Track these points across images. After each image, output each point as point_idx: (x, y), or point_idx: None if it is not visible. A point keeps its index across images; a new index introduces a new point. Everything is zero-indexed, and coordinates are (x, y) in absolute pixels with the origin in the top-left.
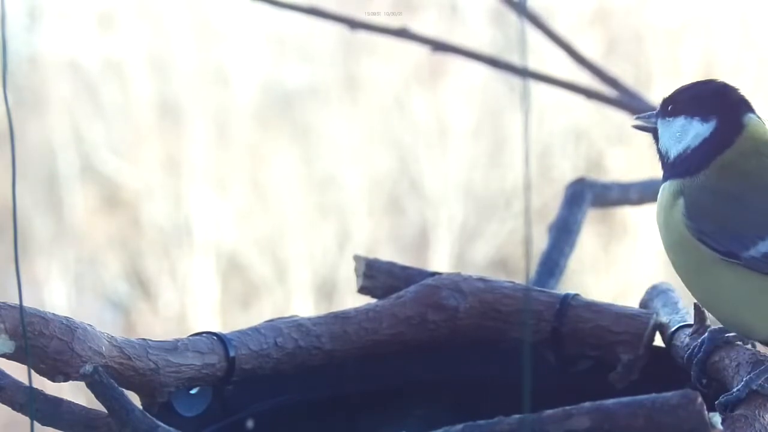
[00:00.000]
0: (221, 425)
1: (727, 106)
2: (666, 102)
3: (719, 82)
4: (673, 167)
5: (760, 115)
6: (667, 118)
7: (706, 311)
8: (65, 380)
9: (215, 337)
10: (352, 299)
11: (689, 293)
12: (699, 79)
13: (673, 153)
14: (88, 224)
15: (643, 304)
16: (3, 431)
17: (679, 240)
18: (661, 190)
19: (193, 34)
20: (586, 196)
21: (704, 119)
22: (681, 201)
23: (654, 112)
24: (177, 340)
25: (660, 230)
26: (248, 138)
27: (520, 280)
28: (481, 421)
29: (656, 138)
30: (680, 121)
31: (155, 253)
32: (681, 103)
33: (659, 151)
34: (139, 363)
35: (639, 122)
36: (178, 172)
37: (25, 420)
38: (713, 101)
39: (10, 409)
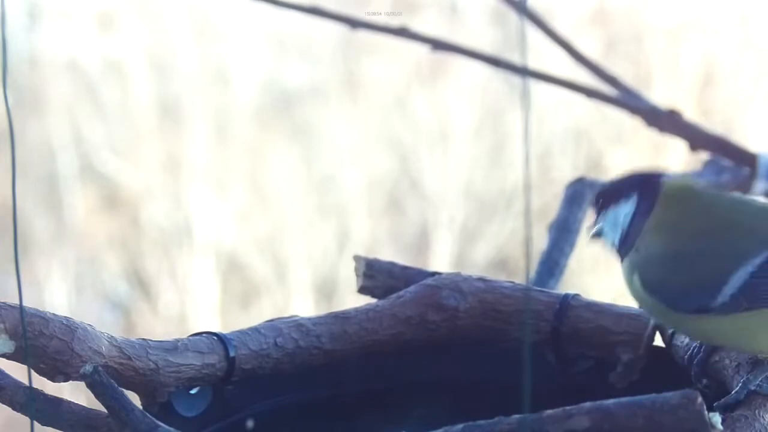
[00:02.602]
0: (221, 425)
1: (643, 179)
2: (597, 203)
3: (639, 170)
4: (620, 250)
5: (677, 174)
6: (603, 214)
7: None
8: (65, 380)
9: (215, 337)
10: (352, 299)
11: None
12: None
13: (616, 239)
14: (88, 224)
15: None
16: (3, 431)
17: (651, 307)
18: (621, 269)
19: (193, 34)
20: (586, 195)
21: (626, 199)
22: (636, 277)
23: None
24: (177, 340)
25: (635, 300)
26: (248, 138)
27: (520, 280)
28: (481, 421)
29: (605, 237)
30: (611, 212)
31: (155, 253)
32: (607, 197)
33: (609, 246)
34: (139, 363)
35: (593, 235)
36: (178, 172)
37: (25, 420)
38: (630, 182)
39: (10, 409)
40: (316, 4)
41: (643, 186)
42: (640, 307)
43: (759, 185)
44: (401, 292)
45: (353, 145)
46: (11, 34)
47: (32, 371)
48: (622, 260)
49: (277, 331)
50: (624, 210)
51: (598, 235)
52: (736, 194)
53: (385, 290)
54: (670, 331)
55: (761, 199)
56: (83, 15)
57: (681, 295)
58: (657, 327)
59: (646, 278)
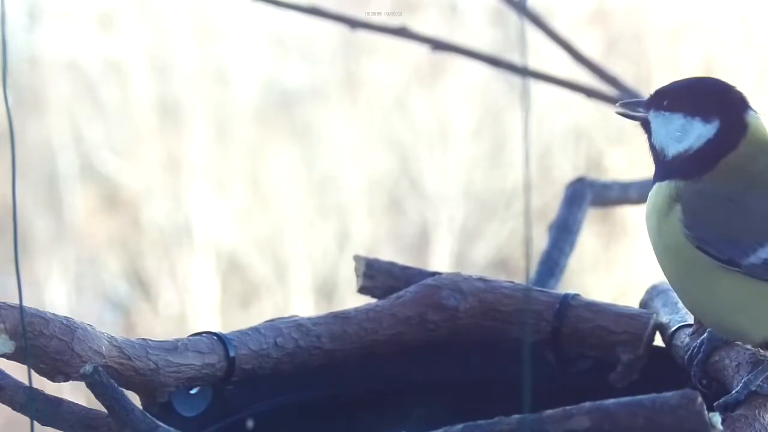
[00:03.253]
0: (221, 425)
1: (729, 106)
2: (660, 95)
3: (717, 80)
4: (670, 167)
5: (758, 112)
6: (663, 113)
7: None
8: (65, 380)
9: (215, 337)
10: (352, 299)
11: None
12: (694, 76)
13: (671, 152)
14: (88, 224)
15: (643, 304)
16: (3, 431)
17: (674, 246)
18: (654, 190)
19: (193, 34)
20: (586, 195)
21: (706, 119)
22: (679, 207)
23: (640, 100)
24: (177, 340)
25: (650, 233)
26: (248, 138)
27: (520, 280)
28: (481, 421)
29: (648, 130)
30: (679, 119)
31: (155, 253)
32: (679, 99)
33: (653, 146)
34: (139, 363)
35: (625, 110)
36: (178, 172)
37: (25, 420)
38: (714, 100)
39: (10, 409)
40: (316, 4)
41: (729, 117)
42: (655, 244)
43: None
44: (401, 292)
45: (353, 145)
46: (11, 34)
47: (32, 371)
48: (663, 178)
49: (277, 331)
50: (699, 129)
51: (633, 117)
52: None
53: (385, 290)
54: (670, 330)
55: None
56: (83, 15)
57: (719, 239)
58: (657, 327)
59: (695, 211)
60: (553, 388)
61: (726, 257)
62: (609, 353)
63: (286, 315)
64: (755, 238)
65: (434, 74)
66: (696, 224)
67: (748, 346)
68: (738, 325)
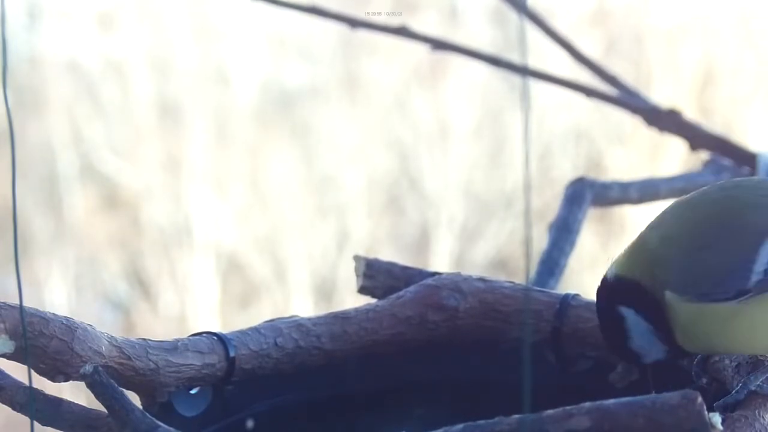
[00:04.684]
0: (221, 425)
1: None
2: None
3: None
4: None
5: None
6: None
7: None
8: (65, 380)
9: (215, 337)
10: (352, 299)
11: None
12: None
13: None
14: (88, 224)
15: None
16: (3, 431)
17: (691, 315)
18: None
19: (193, 34)
20: (587, 195)
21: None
22: (667, 293)
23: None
24: (177, 340)
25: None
26: (248, 138)
27: (520, 280)
28: (481, 421)
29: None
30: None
31: (155, 253)
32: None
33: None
34: (139, 363)
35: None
36: (178, 172)
37: (25, 420)
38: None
39: (10, 409)
40: (316, 4)
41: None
42: (680, 328)
43: None
44: (401, 292)
45: (353, 145)
46: (11, 34)
47: (32, 371)
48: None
49: (277, 331)
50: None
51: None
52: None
53: (385, 290)
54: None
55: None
56: (83, 15)
57: (715, 286)
58: None
59: (679, 282)
60: (553, 388)
61: (734, 293)
62: (609, 353)
63: (286, 315)
64: (740, 260)
65: (434, 74)
66: (690, 289)
67: None
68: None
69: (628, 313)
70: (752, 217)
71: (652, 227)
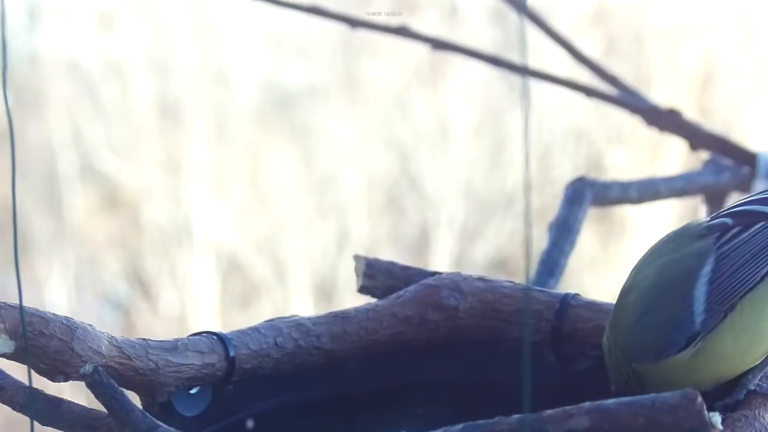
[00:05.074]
0: (221, 425)
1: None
2: None
3: None
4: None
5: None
6: None
7: None
8: (65, 380)
9: (215, 337)
10: (352, 299)
11: None
12: None
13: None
14: (88, 224)
15: None
16: (3, 431)
17: (658, 374)
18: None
19: (193, 34)
20: (587, 194)
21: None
22: (632, 365)
23: None
24: (177, 340)
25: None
26: (248, 138)
27: (520, 280)
28: (481, 421)
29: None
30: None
31: (155, 253)
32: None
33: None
34: (139, 363)
35: None
36: (178, 172)
37: (25, 420)
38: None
39: (10, 409)
40: (316, 3)
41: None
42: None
43: (759, 185)
44: (401, 292)
45: (353, 145)
46: (11, 34)
47: (32, 371)
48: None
49: (277, 331)
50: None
51: None
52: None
53: (385, 290)
54: None
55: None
56: (83, 15)
57: (667, 342)
58: None
59: (637, 351)
60: (553, 388)
61: (685, 341)
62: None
63: (286, 315)
64: (680, 308)
65: (434, 74)
66: (643, 352)
67: None
68: (737, 362)
69: None
70: (678, 267)
71: (618, 302)
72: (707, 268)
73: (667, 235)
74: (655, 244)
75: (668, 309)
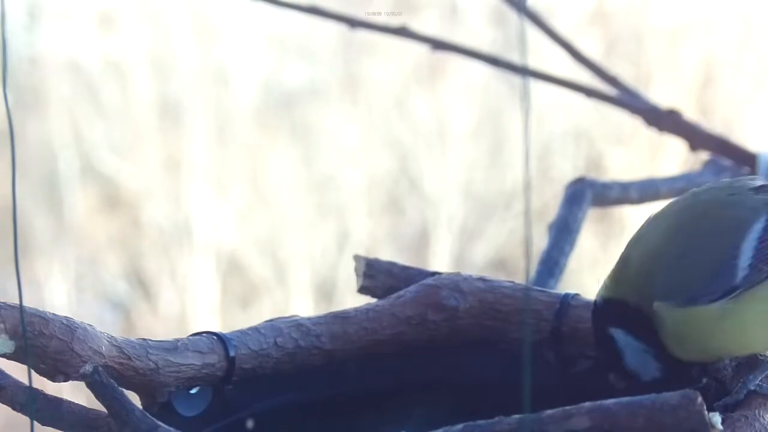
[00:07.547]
0: (221, 425)
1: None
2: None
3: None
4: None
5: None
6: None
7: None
8: (65, 380)
9: (215, 337)
10: (352, 299)
11: None
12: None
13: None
14: (88, 224)
15: None
16: (3, 431)
17: (683, 323)
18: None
19: (193, 34)
20: (587, 195)
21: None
22: (660, 304)
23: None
24: (177, 340)
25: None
26: (248, 138)
27: (520, 280)
28: (481, 421)
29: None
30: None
31: (155, 253)
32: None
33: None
34: (139, 363)
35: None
36: (178, 172)
37: (25, 420)
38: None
39: (10, 409)
40: (316, 4)
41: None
42: (672, 338)
43: None
44: (401, 292)
45: (353, 145)
46: (11, 34)
47: (32, 371)
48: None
49: (277, 331)
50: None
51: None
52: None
53: (385, 290)
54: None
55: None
56: (83, 15)
57: (702, 289)
58: None
59: (665, 291)
60: (553, 388)
61: (722, 291)
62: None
63: (286, 315)
64: (724, 258)
65: (434, 74)
66: (678, 296)
67: None
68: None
69: (618, 334)
70: (729, 216)
71: (632, 245)
72: (760, 225)
73: (699, 187)
74: (684, 196)
75: (711, 256)
